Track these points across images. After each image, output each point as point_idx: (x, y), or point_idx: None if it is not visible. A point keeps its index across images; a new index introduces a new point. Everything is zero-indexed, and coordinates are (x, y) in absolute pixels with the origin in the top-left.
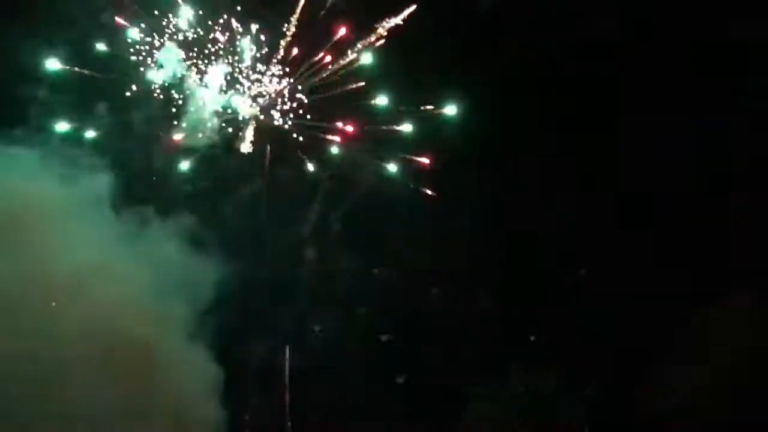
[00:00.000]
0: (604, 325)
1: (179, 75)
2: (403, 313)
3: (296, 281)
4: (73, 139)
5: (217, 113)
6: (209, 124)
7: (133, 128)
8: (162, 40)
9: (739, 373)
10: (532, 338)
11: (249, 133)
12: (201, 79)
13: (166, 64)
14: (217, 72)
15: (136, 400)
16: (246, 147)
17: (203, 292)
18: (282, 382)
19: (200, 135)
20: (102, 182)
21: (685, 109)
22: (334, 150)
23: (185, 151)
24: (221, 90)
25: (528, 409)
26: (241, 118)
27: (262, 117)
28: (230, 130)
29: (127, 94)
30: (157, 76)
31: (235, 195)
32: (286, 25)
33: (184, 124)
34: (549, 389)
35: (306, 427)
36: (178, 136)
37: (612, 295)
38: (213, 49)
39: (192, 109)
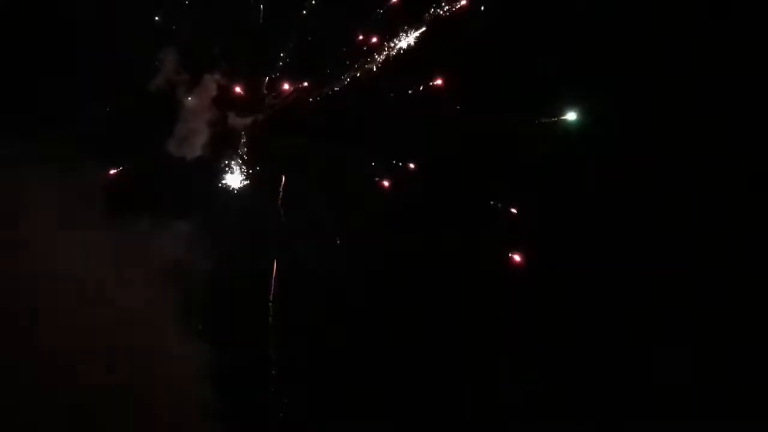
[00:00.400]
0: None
1: (173, 82)
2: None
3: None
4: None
5: (209, 124)
6: (199, 137)
7: (126, 131)
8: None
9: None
10: None
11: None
12: (193, 88)
13: (162, 69)
14: (211, 80)
15: (131, 390)
16: (235, 175)
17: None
18: None
19: (190, 146)
20: (94, 181)
21: None
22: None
23: (175, 160)
24: (214, 100)
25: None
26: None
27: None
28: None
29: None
30: (151, 82)
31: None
32: None
33: (174, 134)
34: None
35: None
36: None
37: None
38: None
39: (183, 118)
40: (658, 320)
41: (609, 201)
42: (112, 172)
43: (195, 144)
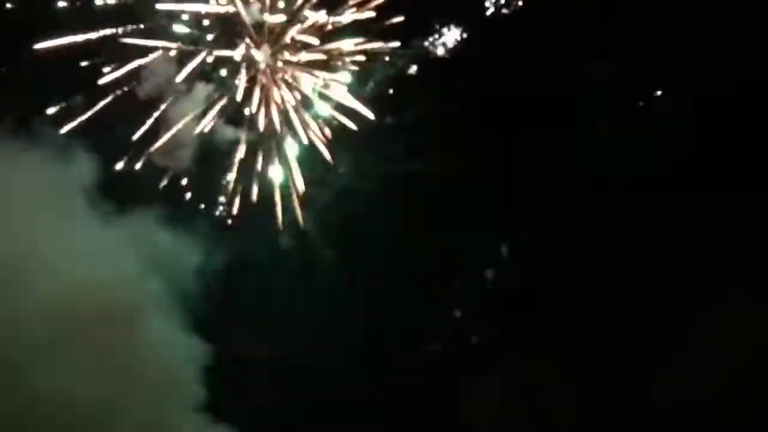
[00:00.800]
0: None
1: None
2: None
3: None
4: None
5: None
6: (186, 149)
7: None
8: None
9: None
10: None
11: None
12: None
13: (152, 77)
14: (203, 91)
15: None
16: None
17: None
18: None
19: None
20: (80, 172)
21: None
22: None
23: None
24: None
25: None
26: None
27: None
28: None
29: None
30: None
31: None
32: None
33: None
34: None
35: None
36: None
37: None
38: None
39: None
40: None
41: None
42: (104, 174)
43: (182, 156)
